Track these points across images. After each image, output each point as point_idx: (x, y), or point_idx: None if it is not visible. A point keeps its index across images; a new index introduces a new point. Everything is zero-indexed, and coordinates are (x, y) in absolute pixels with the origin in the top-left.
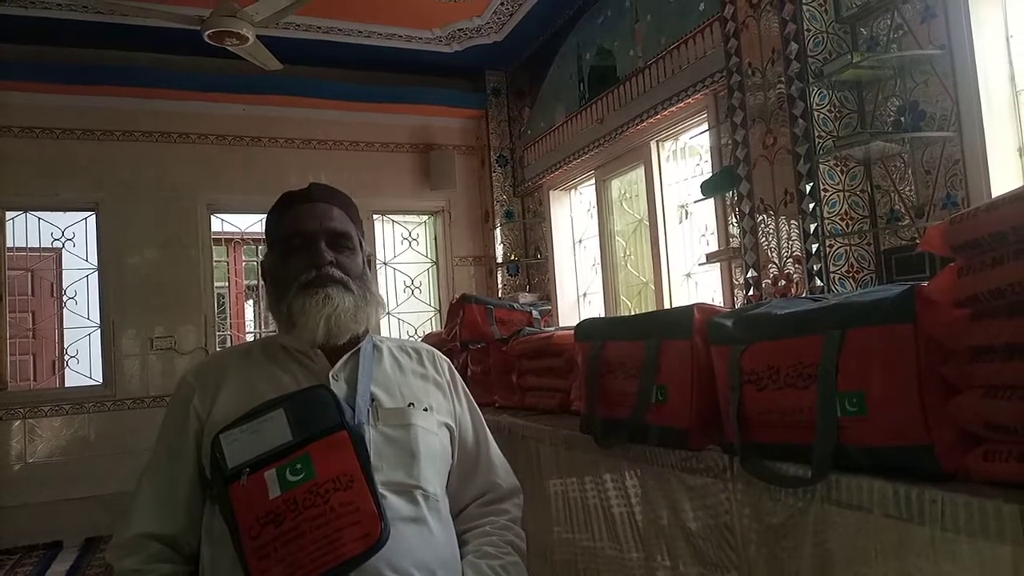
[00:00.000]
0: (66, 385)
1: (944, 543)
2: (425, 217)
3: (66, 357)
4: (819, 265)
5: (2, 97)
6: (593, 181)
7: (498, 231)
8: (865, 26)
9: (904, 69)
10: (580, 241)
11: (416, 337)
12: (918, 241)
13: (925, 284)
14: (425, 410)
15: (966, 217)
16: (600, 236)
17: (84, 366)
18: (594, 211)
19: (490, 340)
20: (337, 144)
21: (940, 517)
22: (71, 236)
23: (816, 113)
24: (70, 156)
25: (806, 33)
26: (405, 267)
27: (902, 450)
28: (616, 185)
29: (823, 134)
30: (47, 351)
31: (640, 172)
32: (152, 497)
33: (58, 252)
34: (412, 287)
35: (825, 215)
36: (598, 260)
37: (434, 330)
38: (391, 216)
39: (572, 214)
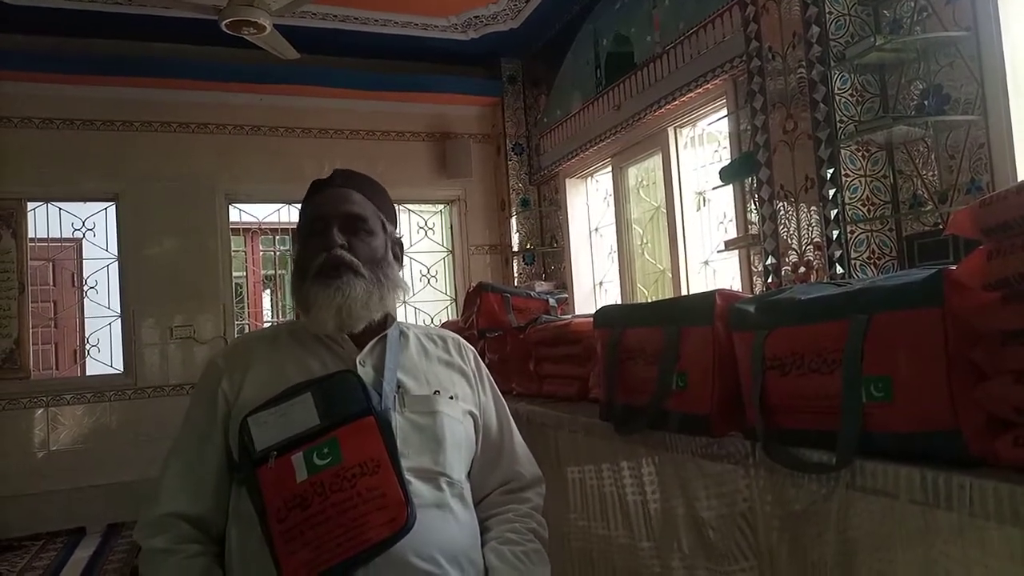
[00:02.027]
0: (87, 374)
1: (972, 529)
2: (441, 206)
3: (87, 346)
4: (840, 251)
5: (23, 88)
6: (610, 169)
7: (514, 219)
8: (888, 8)
9: (928, 52)
10: (596, 229)
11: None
12: (941, 227)
13: (953, 268)
14: (451, 398)
15: (996, 199)
16: (617, 224)
17: (105, 355)
18: (611, 199)
19: (507, 328)
20: (354, 133)
21: (968, 503)
22: (91, 226)
23: (838, 97)
24: (90, 147)
25: (828, 16)
26: (421, 256)
27: (929, 436)
28: (633, 172)
29: (845, 119)
30: (68, 340)
31: (657, 159)
32: (180, 478)
33: (79, 242)
34: (428, 276)
35: (846, 201)
36: (615, 248)
37: (450, 319)
38: (407, 205)
39: (588, 202)
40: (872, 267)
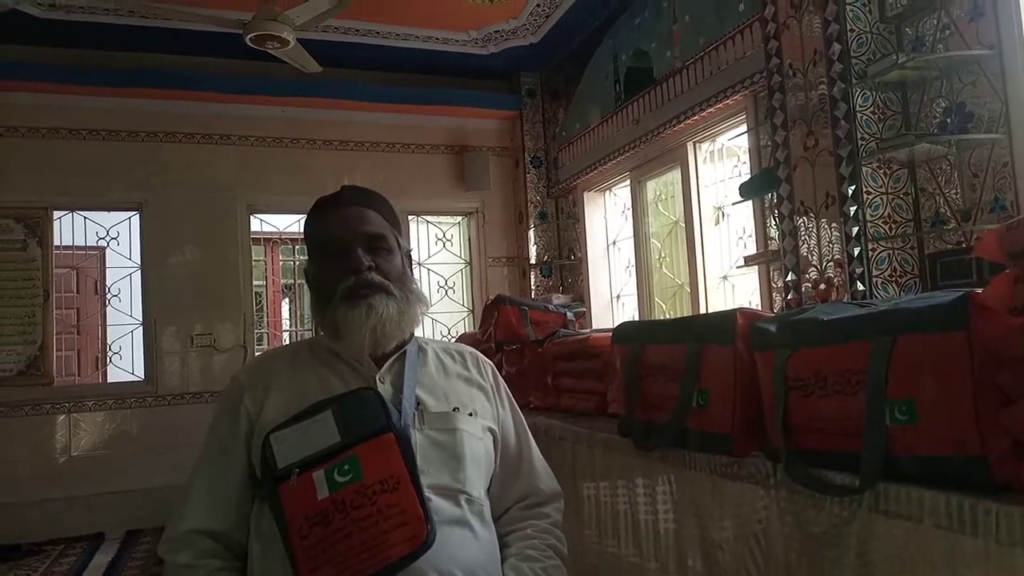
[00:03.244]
0: (109, 381)
1: (999, 556)
2: (459, 218)
3: (109, 353)
4: (861, 269)
5: (50, 100)
6: (628, 182)
7: (532, 232)
8: (910, 26)
9: (951, 70)
10: (614, 243)
11: (450, 337)
12: (964, 245)
13: (979, 291)
14: (470, 415)
15: (1022, 223)
16: (635, 238)
17: (127, 362)
18: (629, 213)
19: (525, 341)
20: (374, 145)
21: (995, 529)
22: (115, 235)
23: (859, 115)
24: (115, 157)
25: (849, 33)
26: (439, 267)
27: (954, 460)
28: (651, 187)
29: (866, 136)
30: (91, 347)
31: (676, 174)
32: (204, 494)
33: (102, 251)
34: (446, 287)
35: (868, 218)
36: (632, 262)
37: (468, 330)
38: (425, 217)
39: (606, 215)
40: (894, 285)
